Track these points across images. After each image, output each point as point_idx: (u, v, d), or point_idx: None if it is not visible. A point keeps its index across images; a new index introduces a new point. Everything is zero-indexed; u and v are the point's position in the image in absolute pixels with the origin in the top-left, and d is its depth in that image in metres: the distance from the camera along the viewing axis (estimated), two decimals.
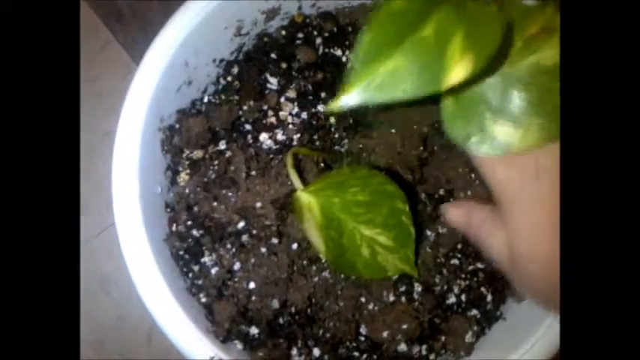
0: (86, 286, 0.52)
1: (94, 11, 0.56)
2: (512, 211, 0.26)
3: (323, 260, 0.35)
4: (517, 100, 0.28)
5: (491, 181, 0.28)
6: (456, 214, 0.31)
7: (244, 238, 0.34)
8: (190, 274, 0.35)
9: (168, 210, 0.36)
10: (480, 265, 0.37)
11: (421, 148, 0.38)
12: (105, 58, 0.56)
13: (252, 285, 0.34)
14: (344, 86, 0.24)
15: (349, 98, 0.23)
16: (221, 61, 0.39)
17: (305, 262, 0.34)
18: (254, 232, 0.34)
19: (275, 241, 0.34)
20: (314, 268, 0.35)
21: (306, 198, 0.32)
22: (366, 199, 0.32)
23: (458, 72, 0.24)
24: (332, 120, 0.39)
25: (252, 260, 0.34)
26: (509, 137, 0.28)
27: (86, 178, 0.51)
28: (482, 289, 0.36)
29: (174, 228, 0.35)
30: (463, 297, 0.36)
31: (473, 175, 0.38)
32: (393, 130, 0.38)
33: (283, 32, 0.40)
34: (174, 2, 0.57)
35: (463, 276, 0.37)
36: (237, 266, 0.34)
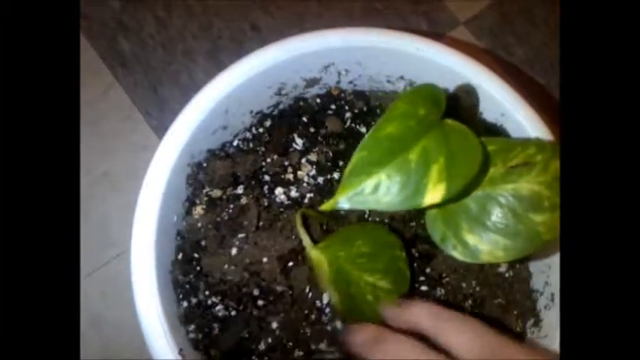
0: None
1: (99, 55, 0.59)
2: None
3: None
4: (490, 217, 0.32)
5: None
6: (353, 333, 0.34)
7: (260, 302, 0.38)
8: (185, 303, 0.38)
9: (178, 238, 0.39)
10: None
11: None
12: (107, 101, 0.58)
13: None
14: (337, 191, 0.29)
15: (340, 203, 0.29)
16: (257, 112, 0.43)
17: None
18: (267, 298, 0.38)
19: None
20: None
21: (316, 255, 0.36)
22: (369, 250, 0.36)
23: (434, 195, 0.29)
24: None
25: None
26: (478, 247, 0.32)
27: (82, 218, 0.53)
28: None
29: (179, 256, 0.38)
30: None
31: None
32: None
33: (318, 100, 0.44)
34: (177, 51, 0.62)
35: None
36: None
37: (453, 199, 0.31)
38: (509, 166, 0.33)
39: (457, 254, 0.33)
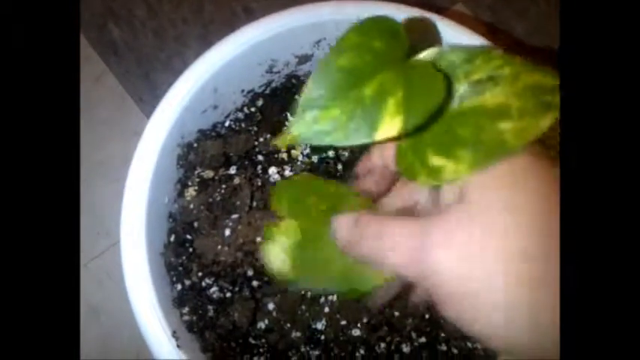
0: None
1: (90, 44, 0.58)
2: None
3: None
4: (455, 136, 0.30)
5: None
6: (343, 222, 0.30)
7: (255, 283, 0.37)
8: (179, 286, 0.37)
9: (170, 220, 0.38)
10: None
11: None
12: (100, 89, 0.57)
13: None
14: (290, 124, 0.27)
15: (292, 138, 0.27)
16: (249, 91, 0.42)
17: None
18: (262, 278, 0.37)
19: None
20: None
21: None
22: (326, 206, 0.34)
23: (389, 129, 0.27)
24: (339, 166, 0.41)
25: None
26: (442, 166, 0.29)
27: None
28: None
29: (172, 238, 0.37)
30: None
31: None
32: None
33: None
34: (169, 36, 0.60)
35: None
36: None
37: (412, 133, 0.30)
38: (473, 81, 0.31)
39: (420, 180, 0.30)
